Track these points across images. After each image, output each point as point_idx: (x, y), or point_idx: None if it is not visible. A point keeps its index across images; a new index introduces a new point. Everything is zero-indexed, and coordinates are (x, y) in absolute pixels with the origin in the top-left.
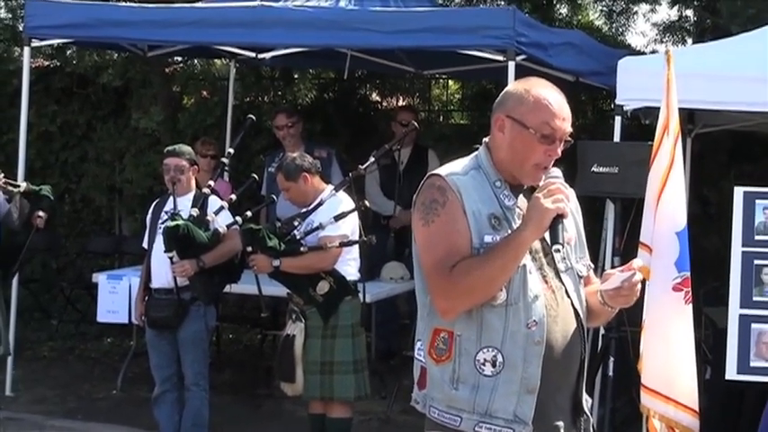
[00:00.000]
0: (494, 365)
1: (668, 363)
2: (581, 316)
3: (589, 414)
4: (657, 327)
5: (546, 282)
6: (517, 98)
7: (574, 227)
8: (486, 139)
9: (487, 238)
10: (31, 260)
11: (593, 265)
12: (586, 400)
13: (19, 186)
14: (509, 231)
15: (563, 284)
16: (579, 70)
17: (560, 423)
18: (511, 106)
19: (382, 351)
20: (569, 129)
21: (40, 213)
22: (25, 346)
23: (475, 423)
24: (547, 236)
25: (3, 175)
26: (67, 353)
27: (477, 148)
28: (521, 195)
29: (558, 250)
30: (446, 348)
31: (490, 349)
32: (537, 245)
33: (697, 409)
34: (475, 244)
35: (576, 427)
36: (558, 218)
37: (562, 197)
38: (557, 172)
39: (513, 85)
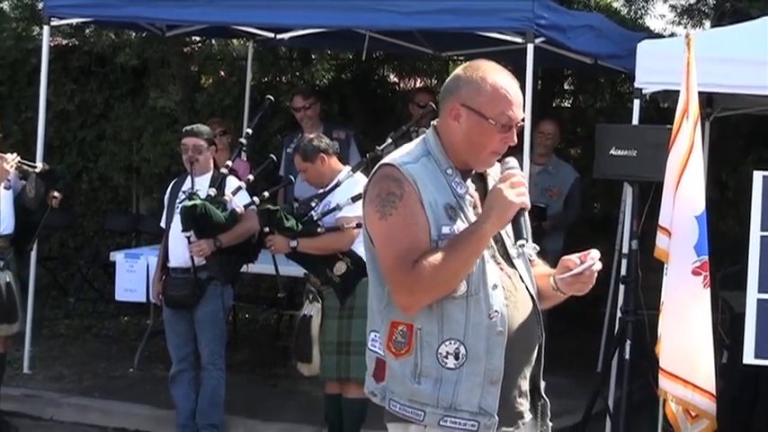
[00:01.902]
0: (456, 358)
1: (687, 346)
2: (535, 301)
3: (546, 399)
4: (676, 310)
5: (501, 269)
6: (474, 87)
7: None
8: (434, 123)
9: (445, 229)
10: (48, 238)
11: (537, 248)
12: (543, 383)
13: (35, 167)
14: (463, 220)
15: (516, 269)
16: (598, 53)
17: (523, 407)
18: (466, 95)
19: None
20: (522, 114)
21: (55, 193)
22: (42, 324)
23: (439, 417)
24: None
25: (18, 155)
26: (84, 331)
27: (423, 131)
28: (469, 181)
29: (523, 245)
30: (405, 342)
31: (452, 342)
32: None
33: (714, 392)
34: (433, 236)
35: (534, 410)
36: (521, 211)
37: (524, 190)
38: (513, 162)
39: (464, 71)
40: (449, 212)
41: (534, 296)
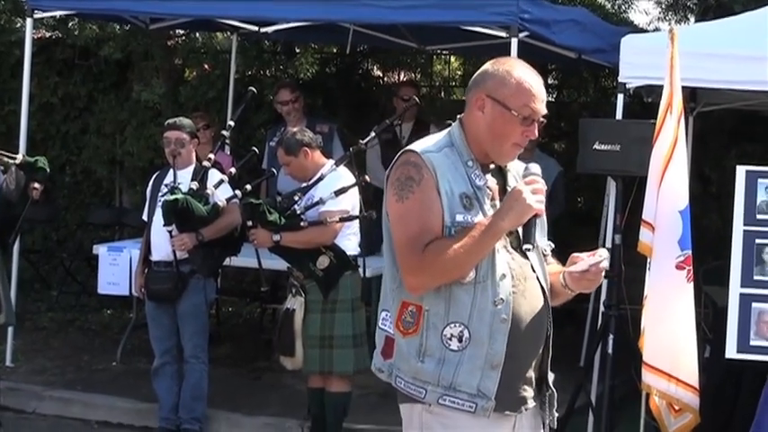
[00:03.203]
0: (460, 341)
1: (670, 340)
2: (546, 292)
3: (554, 389)
4: (660, 304)
5: (513, 259)
6: (499, 79)
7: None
8: (460, 116)
9: (459, 217)
10: (31, 231)
11: (552, 245)
12: (551, 374)
13: (15, 158)
14: (479, 210)
15: (529, 261)
16: (582, 47)
17: (526, 394)
18: (492, 87)
19: None
20: (545, 110)
21: (36, 185)
22: (25, 317)
23: (439, 396)
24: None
25: None
26: (67, 324)
27: (449, 125)
28: (489, 175)
29: (529, 249)
30: (413, 322)
31: (457, 325)
32: None
33: (698, 386)
34: (446, 222)
35: (541, 400)
36: (534, 217)
37: (543, 198)
38: (536, 168)
39: (491, 65)
40: (464, 201)
41: (546, 289)
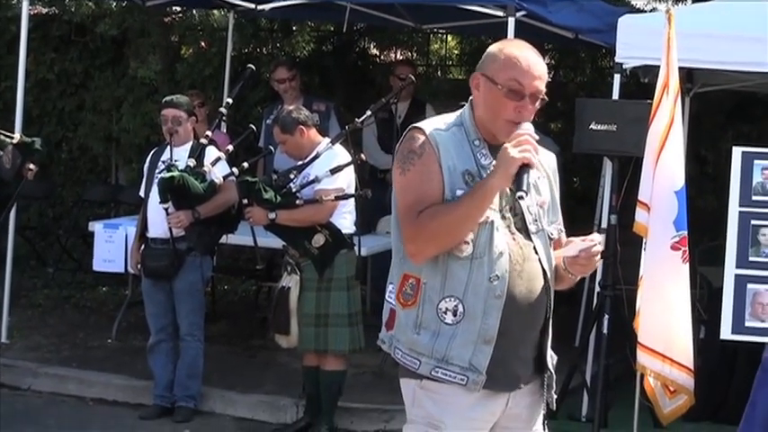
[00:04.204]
0: (455, 315)
1: (665, 321)
2: (548, 275)
3: (553, 371)
4: (655, 285)
5: (514, 239)
6: (492, 57)
7: (548, 190)
8: (471, 98)
9: (459, 192)
10: (27, 208)
11: (563, 230)
12: (551, 357)
13: (12, 137)
14: None
15: (532, 242)
16: (579, 27)
17: (521, 372)
18: (485, 64)
19: (377, 304)
20: (541, 87)
21: (31, 166)
22: (21, 293)
23: (432, 367)
24: (522, 202)
25: None
26: (63, 301)
27: (462, 105)
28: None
29: (522, 197)
30: (413, 294)
31: (452, 299)
32: (507, 203)
33: (692, 367)
34: (447, 196)
35: (540, 381)
36: (524, 167)
37: (529, 147)
38: (526, 125)
39: (492, 46)
40: (466, 178)
41: (548, 272)
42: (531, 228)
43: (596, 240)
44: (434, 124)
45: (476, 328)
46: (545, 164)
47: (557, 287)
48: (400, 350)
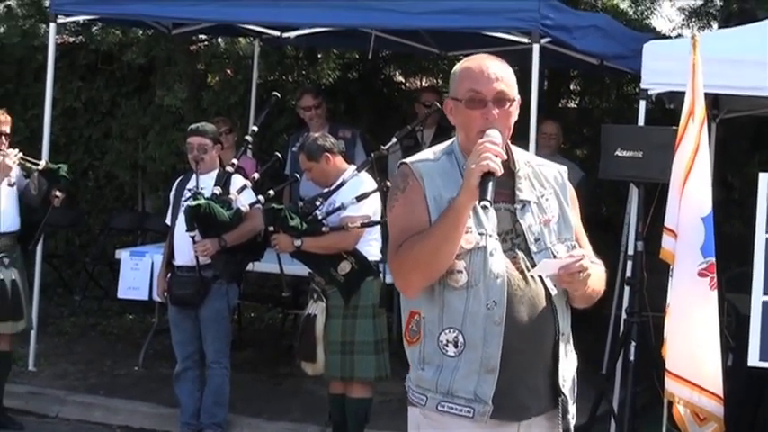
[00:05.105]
0: (456, 346)
1: (693, 348)
2: (552, 297)
3: (568, 394)
4: (682, 312)
5: (514, 263)
6: (452, 78)
7: (556, 206)
8: None
9: None
10: (54, 236)
11: (575, 245)
12: (565, 380)
13: (38, 164)
14: (469, 214)
15: (535, 263)
16: (604, 53)
17: (530, 402)
18: (450, 88)
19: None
20: (501, 87)
21: (57, 193)
22: (48, 321)
23: (437, 402)
24: (523, 222)
25: (20, 151)
26: (90, 329)
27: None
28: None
29: (486, 207)
30: (418, 330)
31: (452, 330)
32: (507, 225)
33: (722, 395)
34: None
35: (555, 408)
36: (487, 175)
37: (488, 154)
38: (492, 132)
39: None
40: None
41: (553, 293)
42: (533, 248)
43: (576, 256)
44: (422, 156)
45: (477, 358)
46: (551, 179)
47: (573, 303)
48: (410, 387)
